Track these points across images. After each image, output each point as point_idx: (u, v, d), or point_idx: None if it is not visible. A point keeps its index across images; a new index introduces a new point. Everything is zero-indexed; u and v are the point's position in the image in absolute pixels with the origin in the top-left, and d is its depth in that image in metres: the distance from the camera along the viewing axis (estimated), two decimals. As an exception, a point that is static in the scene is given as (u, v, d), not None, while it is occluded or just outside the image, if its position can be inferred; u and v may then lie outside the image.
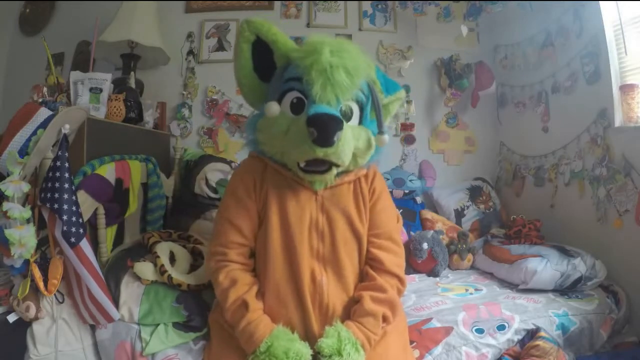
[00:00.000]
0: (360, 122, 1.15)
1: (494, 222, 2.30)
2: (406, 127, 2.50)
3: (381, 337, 1.11)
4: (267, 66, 1.17)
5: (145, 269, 1.31)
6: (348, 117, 1.11)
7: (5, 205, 1.07)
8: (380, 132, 1.14)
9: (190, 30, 2.49)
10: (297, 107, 1.08)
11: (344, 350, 0.98)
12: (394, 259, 1.17)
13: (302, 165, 1.07)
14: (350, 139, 1.06)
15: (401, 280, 1.16)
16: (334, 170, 1.09)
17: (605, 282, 1.65)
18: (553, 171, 2.09)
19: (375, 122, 1.17)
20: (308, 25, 2.53)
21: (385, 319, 1.10)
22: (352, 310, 1.10)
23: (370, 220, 1.18)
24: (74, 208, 1.13)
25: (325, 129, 0.99)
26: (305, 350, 1.01)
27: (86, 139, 1.40)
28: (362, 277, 1.16)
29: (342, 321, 1.07)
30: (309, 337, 1.07)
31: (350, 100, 1.11)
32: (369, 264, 1.16)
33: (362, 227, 1.16)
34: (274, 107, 1.08)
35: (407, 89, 2.52)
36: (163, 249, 1.39)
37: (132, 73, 2.06)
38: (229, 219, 1.15)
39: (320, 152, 1.01)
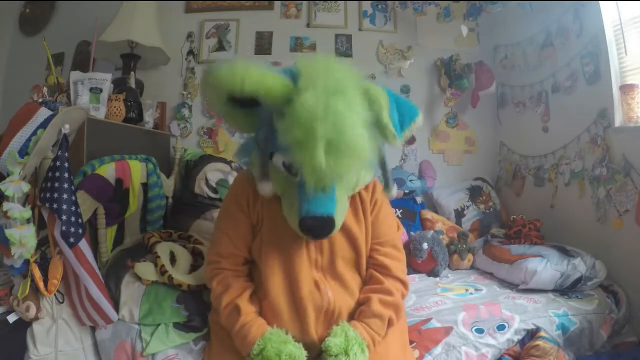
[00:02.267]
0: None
1: (494, 222, 2.30)
2: (406, 127, 2.49)
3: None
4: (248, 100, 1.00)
5: (145, 269, 1.31)
6: None
7: (6, 205, 1.07)
8: (387, 187, 1.15)
9: (190, 30, 2.49)
10: (290, 169, 1.02)
11: (351, 350, 0.98)
12: (398, 265, 1.19)
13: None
14: (344, 211, 1.07)
15: (405, 285, 1.18)
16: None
17: (605, 282, 1.65)
18: (553, 171, 2.09)
19: (396, 123, 1.07)
20: (308, 25, 2.54)
21: (390, 322, 1.10)
22: (358, 311, 1.11)
23: (373, 230, 1.19)
24: (73, 208, 1.13)
25: (318, 234, 1.03)
26: (299, 352, 1.00)
27: (86, 139, 1.40)
28: (366, 280, 1.17)
29: (344, 320, 1.08)
30: (306, 342, 1.07)
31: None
32: (375, 269, 1.17)
33: (361, 236, 1.16)
34: (267, 188, 1.06)
35: (407, 89, 2.53)
36: (163, 249, 1.39)
37: (132, 73, 2.06)
38: (224, 230, 1.17)
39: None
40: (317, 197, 0.98)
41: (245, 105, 0.99)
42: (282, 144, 0.93)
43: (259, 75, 0.94)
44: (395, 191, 1.15)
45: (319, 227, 1.01)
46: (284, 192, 1.07)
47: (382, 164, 1.13)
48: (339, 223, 1.05)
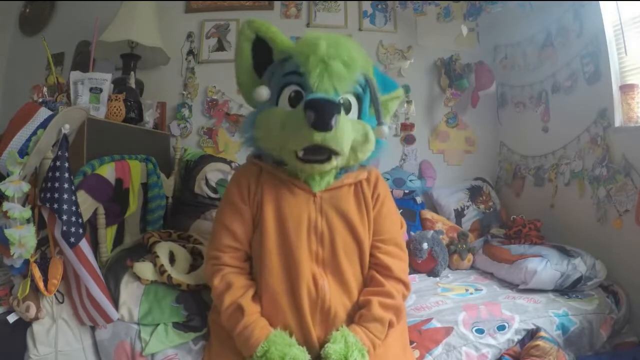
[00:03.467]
0: (359, 117, 1.15)
1: (494, 222, 2.30)
2: (406, 127, 2.50)
3: (381, 337, 1.11)
4: (266, 65, 1.17)
5: (144, 269, 1.31)
6: (347, 110, 1.11)
7: (6, 205, 1.07)
8: (379, 123, 1.14)
9: (190, 30, 2.49)
10: (296, 100, 1.08)
11: (351, 356, 0.97)
12: (400, 265, 1.17)
13: (300, 154, 1.06)
14: (349, 127, 1.06)
15: (407, 286, 1.17)
16: (334, 161, 1.08)
17: (605, 282, 1.65)
18: (553, 171, 2.09)
19: (374, 118, 1.16)
20: (308, 25, 2.53)
21: (390, 325, 1.10)
22: (358, 314, 1.10)
23: (375, 226, 1.18)
24: (73, 208, 1.13)
25: (322, 111, 0.98)
26: (303, 356, 1.00)
27: (86, 139, 1.40)
28: (367, 281, 1.16)
29: (344, 324, 1.07)
30: (307, 342, 1.06)
31: (348, 93, 1.11)
32: (376, 270, 1.15)
33: (363, 231, 1.15)
34: (263, 91, 1.09)
35: (407, 89, 2.52)
36: (163, 249, 1.39)
37: (132, 73, 2.06)
38: (224, 223, 1.15)
39: (318, 137, 1.00)
40: (321, 94, 1.03)
41: (262, 77, 1.17)
42: (289, 71, 1.09)
43: (278, 30, 1.18)
44: (387, 130, 1.16)
45: (322, 104, 1.00)
46: (286, 121, 1.06)
47: (374, 100, 1.14)
48: (341, 145, 1.03)
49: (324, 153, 1.05)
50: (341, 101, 1.09)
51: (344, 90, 1.08)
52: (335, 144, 1.02)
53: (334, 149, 1.03)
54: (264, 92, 1.10)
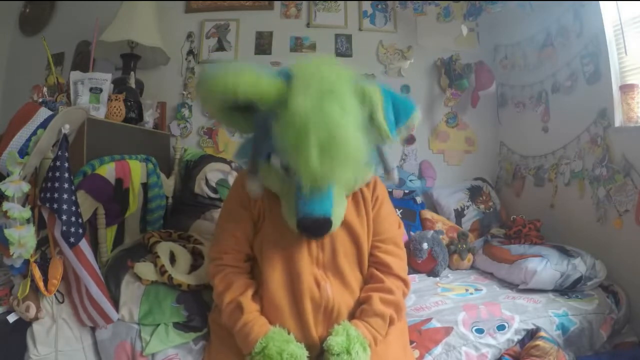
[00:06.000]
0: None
1: (494, 222, 2.30)
2: (406, 127, 2.50)
3: (381, 336, 1.11)
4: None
5: (145, 269, 1.31)
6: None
7: (5, 205, 1.07)
8: (387, 171, 1.15)
9: (190, 30, 2.49)
10: (287, 169, 1.02)
11: (353, 349, 0.98)
12: (400, 263, 1.19)
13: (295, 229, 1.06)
14: (342, 209, 1.08)
15: (406, 283, 1.18)
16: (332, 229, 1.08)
17: (605, 282, 1.64)
18: (553, 171, 2.09)
19: (392, 124, 1.08)
20: (308, 25, 2.54)
21: (391, 321, 1.10)
22: (359, 310, 1.11)
23: (375, 227, 1.19)
24: (73, 208, 1.13)
25: (315, 235, 1.04)
26: (300, 352, 1.00)
27: (86, 139, 1.40)
28: (367, 279, 1.17)
29: (345, 320, 1.08)
30: (307, 341, 1.07)
31: None
32: (375, 267, 1.17)
33: (362, 233, 1.16)
34: (254, 186, 1.08)
35: (407, 89, 2.53)
36: (163, 249, 1.39)
37: (132, 73, 2.06)
38: (226, 226, 1.18)
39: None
40: (314, 198, 0.99)
41: (240, 109, 1.01)
42: (278, 147, 0.96)
43: (252, 80, 0.94)
44: (397, 175, 1.15)
45: (316, 228, 1.02)
46: (282, 193, 1.09)
47: (381, 155, 1.13)
48: (336, 222, 1.06)
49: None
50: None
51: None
52: (331, 230, 1.05)
53: (330, 229, 1.05)
54: (255, 186, 1.08)
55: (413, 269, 1.90)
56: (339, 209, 1.07)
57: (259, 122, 1.03)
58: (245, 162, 1.17)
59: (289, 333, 1.05)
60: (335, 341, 0.99)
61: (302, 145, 0.89)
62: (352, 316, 1.11)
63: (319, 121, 0.88)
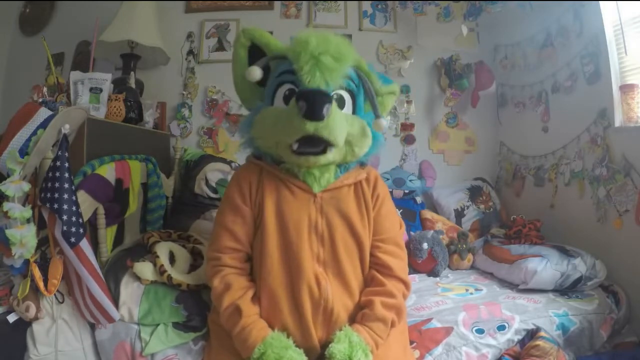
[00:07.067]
0: (354, 113, 1.16)
1: (494, 222, 2.30)
2: (406, 127, 2.50)
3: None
4: (262, 71, 1.16)
5: (144, 269, 1.31)
6: (340, 106, 1.12)
7: (6, 205, 1.07)
8: (377, 116, 1.14)
9: (190, 30, 2.49)
10: (290, 98, 1.08)
11: (355, 356, 0.98)
12: (401, 264, 1.18)
13: (295, 147, 1.06)
14: (342, 119, 1.07)
15: (407, 285, 1.17)
16: (329, 154, 1.08)
17: (605, 282, 1.65)
18: (553, 171, 2.09)
19: (370, 114, 1.17)
20: (308, 25, 2.53)
21: (392, 325, 1.10)
22: (360, 314, 1.10)
23: (375, 226, 1.18)
24: (73, 208, 1.13)
25: (313, 100, 1.00)
26: (300, 358, 1.00)
27: (86, 139, 1.40)
28: (368, 281, 1.16)
29: (346, 324, 1.07)
30: (308, 343, 1.07)
31: (341, 89, 1.12)
32: (377, 269, 1.16)
33: (363, 231, 1.15)
34: (255, 71, 1.09)
35: (407, 89, 2.53)
36: (162, 249, 1.39)
37: (132, 73, 2.06)
38: (224, 224, 1.15)
39: (310, 127, 1.01)
40: (314, 89, 1.04)
41: (258, 82, 1.15)
42: (282, 70, 1.11)
43: (271, 36, 1.21)
44: (386, 123, 1.17)
45: (313, 94, 1.02)
46: (279, 119, 1.08)
47: (371, 100, 1.15)
48: (336, 138, 1.05)
49: (319, 144, 1.06)
50: (334, 96, 1.10)
51: (335, 84, 1.09)
52: (329, 134, 1.03)
53: (328, 138, 1.04)
54: (256, 73, 1.10)
55: (413, 269, 1.90)
56: (338, 126, 1.05)
57: (269, 85, 1.16)
58: (248, 139, 1.20)
59: (288, 336, 1.04)
60: (338, 349, 0.99)
61: (303, 42, 1.06)
62: (351, 319, 1.10)
63: (318, 34, 1.09)
